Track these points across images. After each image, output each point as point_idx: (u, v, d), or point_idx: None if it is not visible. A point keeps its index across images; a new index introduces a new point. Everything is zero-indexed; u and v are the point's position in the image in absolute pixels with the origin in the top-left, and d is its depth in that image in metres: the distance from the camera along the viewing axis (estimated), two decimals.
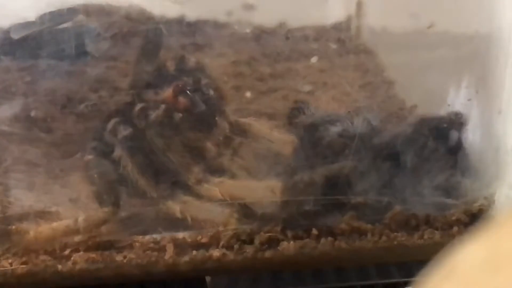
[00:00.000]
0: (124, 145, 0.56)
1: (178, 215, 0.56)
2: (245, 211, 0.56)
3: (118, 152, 0.56)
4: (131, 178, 0.56)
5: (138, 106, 0.56)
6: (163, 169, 0.56)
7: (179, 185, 0.56)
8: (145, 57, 0.57)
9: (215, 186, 0.56)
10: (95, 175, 0.56)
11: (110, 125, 0.56)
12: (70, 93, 0.59)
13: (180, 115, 0.56)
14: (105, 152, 0.56)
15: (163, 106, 0.56)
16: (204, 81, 0.58)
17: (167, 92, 0.56)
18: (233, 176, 0.57)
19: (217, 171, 0.57)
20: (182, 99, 0.56)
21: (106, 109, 0.58)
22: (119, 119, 0.56)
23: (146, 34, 0.57)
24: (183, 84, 0.57)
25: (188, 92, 0.56)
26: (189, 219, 0.56)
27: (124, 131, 0.56)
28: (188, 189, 0.56)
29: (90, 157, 0.56)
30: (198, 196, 0.56)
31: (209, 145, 0.58)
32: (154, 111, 0.56)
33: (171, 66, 0.59)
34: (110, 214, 0.56)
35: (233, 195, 0.56)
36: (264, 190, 0.56)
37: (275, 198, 0.56)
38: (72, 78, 0.59)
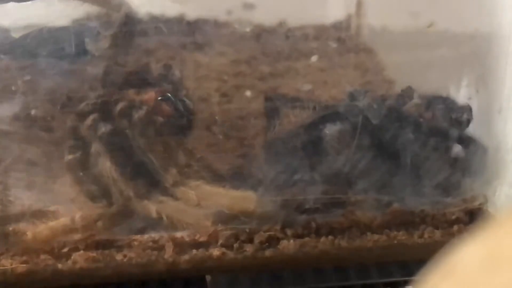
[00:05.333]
0: (103, 142, 0.56)
1: (154, 214, 0.56)
2: (222, 214, 0.56)
3: (97, 148, 0.56)
4: (109, 175, 0.56)
5: (120, 104, 0.56)
6: (141, 168, 0.56)
7: (156, 185, 0.56)
8: (117, 46, 0.57)
9: (192, 189, 0.56)
10: (80, 173, 0.57)
11: (88, 121, 0.56)
12: (69, 91, 0.59)
13: (161, 119, 0.57)
14: (85, 149, 0.56)
15: (145, 108, 0.56)
16: (183, 91, 0.58)
17: (149, 95, 0.57)
18: (208, 181, 0.58)
19: (193, 174, 0.58)
20: (165, 107, 0.56)
21: (85, 105, 0.58)
22: (98, 115, 0.56)
23: (119, 22, 0.57)
24: (166, 91, 0.57)
25: (172, 100, 0.57)
26: (164, 219, 0.56)
27: (104, 128, 0.56)
28: (165, 190, 0.56)
29: (70, 156, 0.56)
30: (175, 198, 0.56)
31: (185, 150, 0.59)
32: (136, 111, 0.56)
33: (154, 69, 0.59)
34: (104, 209, 0.56)
35: (208, 200, 0.56)
36: (238, 200, 0.56)
37: (249, 209, 0.56)
38: (71, 77, 0.59)
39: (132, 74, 0.57)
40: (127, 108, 0.56)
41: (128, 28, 0.56)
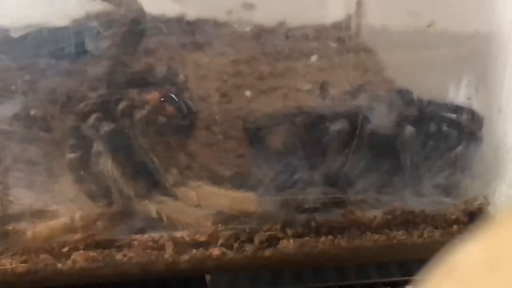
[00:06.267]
0: (105, 141, 0.56)
1: (154, 214, 0.56)
2: (222, 215, 0.56)
3: (98, 147, 0.56)
4: (110, 175, 0.56)
5: (123, 103, 0.56)
6: (142, 168, 0.56)
7: (157, 185, 0.56)
8: (125, 46, 0.57)
9: (192, 190, 0.56)
10: (81, 172, 0.57)
11: (91, 120, 0.56)
12: (69, 91, 0.59)
13: (164, 120, 0.57)
14: (86, 148, 0.56)
15: (148, 108, 0.56)
16: (187, 93, 0.59)
17: (153, 95, 0.57)
18: (209, 182, 0.58)
19: (194, 175, 0.58)
20: (169, 107, 0.57)
21: (88, 105, 0.58)
22: (100, 114, 0.56)
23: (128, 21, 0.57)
24: (170, 92, 0.57)
25: (176, 100, 0.57)
26: (164, 219, 0.56)
27: (107, 126, 0.56)
28: (165, 190, 0.56)
29: (71, 155, 0.56)
30: (175, 198, 0.56)
31: (187, 151, 0.59)
32: (139, 111, 0.56)
33: (159, 71, 0.59)
34: (104, 208, 0.56)
35: (209, 200, 0.56)
36: (239, 201, 0.56)
37: (250, 210, 0.56)
38: (72, 77, 0.59)
39: (137, 74, 0.58)
40: (130, 107, 0.56)
41: (138, 27, 0.56)
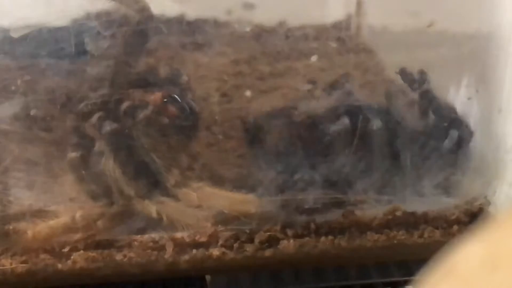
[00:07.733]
0: (107, 141, 0.56)
1: (154, 215, 0.56)
2: (222, 215, 0.56)
3: (100, 147, 0.56)
4: (111, 174, 0.56)
5: (126, 103, 0.56)
6: (143, 168, 0.56)
7: (158, 186, 0.56)
8: (131, 46, 0.57)
9: (193, 191, 0.56)
10: (82, 172, 0.57)
11: (93, 119, 0.56)
12: (70, 91, 0.59)
13: (166, 120, 0.57)
14: (87, 148, 0.56)
15: (151, 108, 0.56)
16: (190, 94, 0.59)
17: (156, 95, 0.57)
18: (212, 183, 0.58)
19: (196, 176, 0.58)
20: (171, 107, 0.57)
21: (90, 104, 0.57)
22: (103, 114, 0.56)
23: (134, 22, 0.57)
24: (173, 92, 0.57)
25: (179, 101, 0.57)
26: (165, 219, 0.56)
27: (109, 126, 0.56)
28: (166, 191, 0.56)
29: (72, 155, 0.56)
30: (176, 199, 0.56)
31: (189, 152, 0.59)
32: (141, 111, 0.56)
33: (162, 72, 0.59)
34: (104, 208, 0.56)
35: (209, 201, 0.56)
36: (240, 202, 0.56)
37: (250, 212, 0.56)
38: (72, 77, 0.59)
39: (140, 74, 0.58)
40: (132, 107, 0.56)
41: (145, 28, 0.56)
